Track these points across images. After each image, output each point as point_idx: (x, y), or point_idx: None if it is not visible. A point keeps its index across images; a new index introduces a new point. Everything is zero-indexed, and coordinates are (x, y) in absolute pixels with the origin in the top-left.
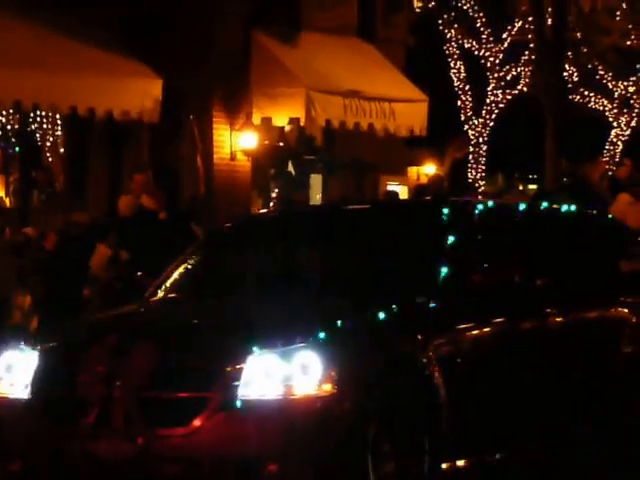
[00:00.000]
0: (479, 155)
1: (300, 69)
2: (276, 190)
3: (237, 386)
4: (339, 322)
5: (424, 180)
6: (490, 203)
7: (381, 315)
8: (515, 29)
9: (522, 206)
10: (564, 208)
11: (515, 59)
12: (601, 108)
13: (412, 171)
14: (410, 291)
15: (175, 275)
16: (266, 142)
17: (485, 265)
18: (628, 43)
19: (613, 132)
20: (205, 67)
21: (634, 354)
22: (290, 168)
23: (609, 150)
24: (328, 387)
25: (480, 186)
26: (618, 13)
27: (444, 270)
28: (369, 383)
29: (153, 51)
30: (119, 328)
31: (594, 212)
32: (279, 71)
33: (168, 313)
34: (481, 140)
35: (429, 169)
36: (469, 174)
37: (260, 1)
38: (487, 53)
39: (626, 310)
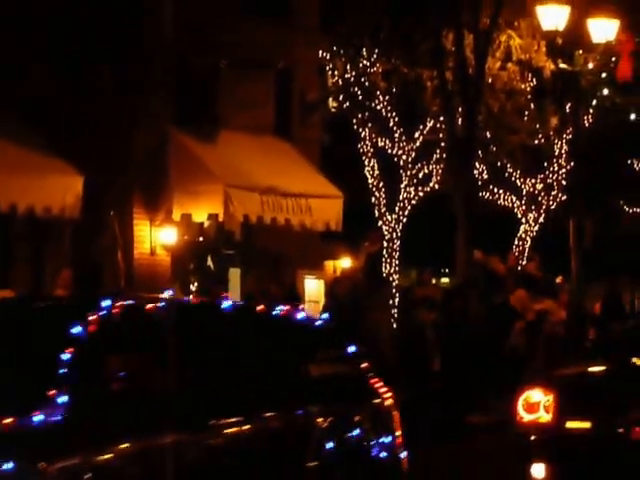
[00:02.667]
0: (393, 250)
1: (218, 166)
2: (195, 284)
3: None
4: None
5: (339, 274)
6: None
7: None
8: (427, 128)
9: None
10: (245, 308)
11: (427, 157)
12: (510, 204)
13: (329, 265)
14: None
15: None
16: (186, 237)
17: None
18: (536, 142)
19: (522, 228)
20: (125, 164)
21: (321, 470)
22: (209, 263)
23: (518, 245)
24: None
25: (394, 280)
26: (526, 113)
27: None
28: None
29: (74, 149)
30: None
31: (285, 312)
32: (198, 168)
33: None
34: (394, 235)
35: (345, 263)
36: (384, 268)
37: (180, 100)
38: (400, 151)
39: (317, 415)
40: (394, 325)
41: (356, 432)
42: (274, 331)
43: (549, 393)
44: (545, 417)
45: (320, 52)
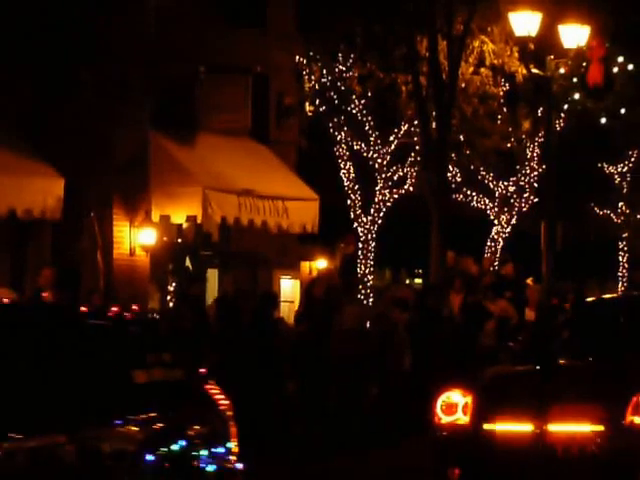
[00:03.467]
0: (368, 251)
1: (197, 169)
2: (174, 284)
3: None
4: None
5: (315, 274)
6: None
7: None
8: (402, 132)
9: None
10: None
11: (402, 160)
12: (483, 207)
13: (305, 266)
14: None
15: None
16: (164, 238)
17: None
18: (508, 145)
19: (494, 229)
20: (105, 167)
21: None
22: (188, 263)
23: (490, 247)
24: None
25: (369, 280)
26: (499, 117)
27: None
28: None
29: (55, 151)
30: None
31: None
32: (177, 171)
33: None
34: (370, 237)
35: (321, 264)
36: (359, 269)
37: (158, 104)
38: (375, 155)
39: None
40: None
41: (182, 443)
42: (88, 336)
43: (467, 394)
44: (463, 419)
45: (297, 57)
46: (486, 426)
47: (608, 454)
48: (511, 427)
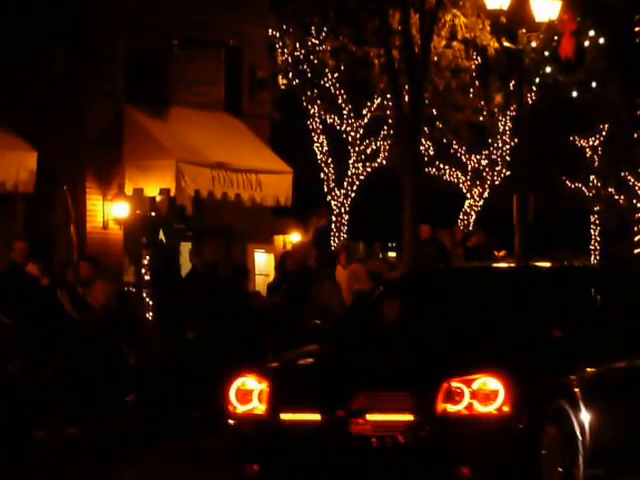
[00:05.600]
0: (341, 224)
1: (170, 142)
2: (147, 258)
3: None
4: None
5: (289, 248)
6: None
7: None
8: (374, 105)
9: None
10: None
11: (375, 133)
12: (455, 180)
13: (279, 239)
14: None
15: None
16: (138, 212)
17: None
18: (480, 119)
19: (466, 202)
20: (78, 140)
21: None
22: (161, 237)
23: (463, 219)
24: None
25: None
26: (471, 90)
27: None
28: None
29: (27, 124)
30: None
31: None
32: (150, 144)
33: None
34: (343, 210)
35: (295, 237)
36: (332, 242)
37: (131, 78)
38: (348, 128)
39: None
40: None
41: None
42: None
43: (263, 380)
44: (259, 408)
45: (270, 30)
46: (284, 416)
47: (418, 446)
48: (309, 417)
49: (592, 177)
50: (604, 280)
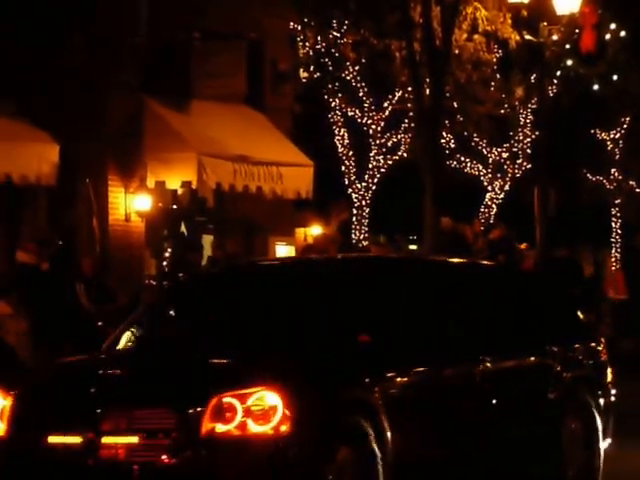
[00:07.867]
0: (362, 217)
1: (191, 135)
2: (169, 250)
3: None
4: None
5: (311, 241)
6: None
7: None
8: (395, 98)
9: None
10: None
11: (395, 126)
12: (476, 173)
13: (299, 232)
14: None
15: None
16: (159, 204)
17: None
18: (502, 111)
19: (487, 195)
20: (100, 133)
21: None
22: (183, 229)
23: (484, 212)
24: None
25: (363, 246)
26: (492, 84)
27: None
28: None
29: (50, 118)
30: None
31: None
32: (172, 137)
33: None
34: (364, 203)
35: (316, 230)
36: (353, 235)
37: (152, 70)
38: (369, 121)
39: None
40: None
41: None
42: None
43: (7, 396)
44: (1, 428)
45: (291, 23)
46: (24, 437)
47: (179, 475)
48: (56, 439)
49: (613, 170)
50: (425, 275)
